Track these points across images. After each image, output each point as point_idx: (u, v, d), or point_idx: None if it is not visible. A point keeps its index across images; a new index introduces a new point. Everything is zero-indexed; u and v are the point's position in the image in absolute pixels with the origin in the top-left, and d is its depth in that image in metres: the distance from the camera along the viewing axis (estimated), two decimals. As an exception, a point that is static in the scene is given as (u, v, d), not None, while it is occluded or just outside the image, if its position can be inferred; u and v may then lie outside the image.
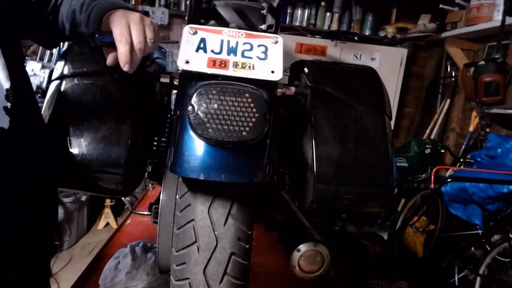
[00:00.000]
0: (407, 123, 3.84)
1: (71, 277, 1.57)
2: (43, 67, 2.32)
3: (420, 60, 3.76)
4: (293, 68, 1.08)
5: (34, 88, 2.31)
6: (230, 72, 0.73)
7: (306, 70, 0.95)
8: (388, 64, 3.21)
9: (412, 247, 2.48)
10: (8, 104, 0.66)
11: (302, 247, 0.88)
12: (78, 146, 0.82)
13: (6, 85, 0.67)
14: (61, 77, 0.88)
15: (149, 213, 1.09)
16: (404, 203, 2.65)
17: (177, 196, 0.81)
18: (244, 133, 0.67)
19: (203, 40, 0.75)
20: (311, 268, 0.89)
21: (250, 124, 0.68)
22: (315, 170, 0.83)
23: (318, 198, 0.84)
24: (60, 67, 0.90)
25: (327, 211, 0.92)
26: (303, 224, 0.99)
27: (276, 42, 0.77)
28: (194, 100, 0.67)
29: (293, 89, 0.93)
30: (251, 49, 0.76)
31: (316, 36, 3.10)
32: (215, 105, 0.67)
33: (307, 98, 0.90)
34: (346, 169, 0.85)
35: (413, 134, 3.68)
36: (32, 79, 2.38)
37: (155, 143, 1.09)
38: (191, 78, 0.75)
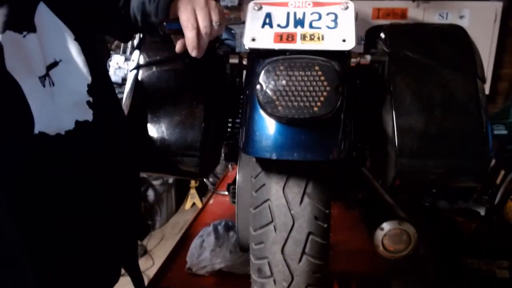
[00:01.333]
0: (505, 85, 3.41)
1: (163, 254, 1.69)
2: (126, 59, 2.46)
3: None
4: (369, 35, 1.01)
5: (120, 80, 2.47)
6: (298, 45, 0.70)
7: (382, 35, 0.88)
8: (479, 21, 2.85)
9: (514, 223, 2.24)
10: (91, 99, 0.71)
11: (386, 226, 0.83)
12: (156, 132, 0.86)
13: (88, 80, 0.72)
14: (137, 67, 0.93)
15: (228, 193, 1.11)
16: (504, 175, 2.40)
17: (251, 176, 0.81)
18: (315, 109, 0.64)
19: (268, 15, 0.73)
20: (396, 247, 0.84)
21: (322, 98, 0.64)
22: (396, 143, 0.77)
23: (401, 173, 0.78)
24: (136, 58, 0.95)
25: (413, 186, 0.86)
26: (386, 202, 0.94)
27: (347, 8, 0.72)
28: (262, 78, 0.65)
29: (368, 57, 0.86)
30: (320, 18, 0.72)
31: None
32: (284, 82, 0.64)
33: (385, 65, 0.83)
34: (432, 140, 0.77)
35: (513, 98, 3.27)
36: (117, 72, 2.55)
37: (230, 124, 1.10)
38: (258, 56, 0.74)
